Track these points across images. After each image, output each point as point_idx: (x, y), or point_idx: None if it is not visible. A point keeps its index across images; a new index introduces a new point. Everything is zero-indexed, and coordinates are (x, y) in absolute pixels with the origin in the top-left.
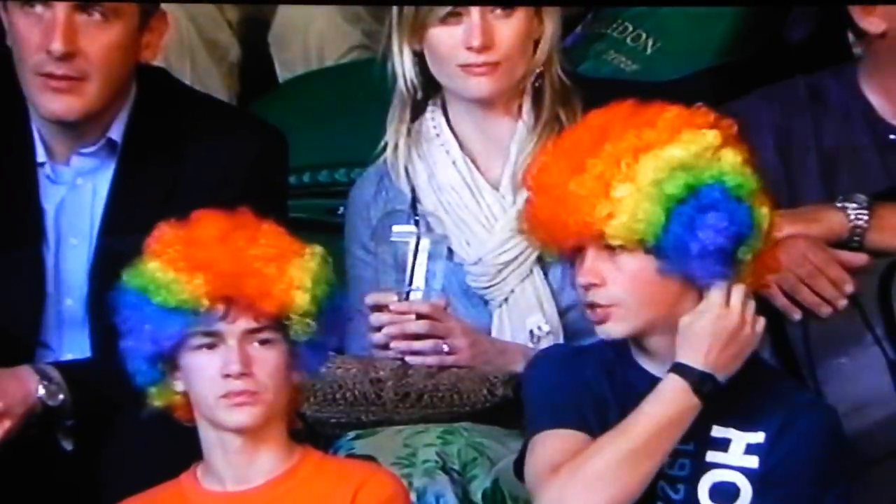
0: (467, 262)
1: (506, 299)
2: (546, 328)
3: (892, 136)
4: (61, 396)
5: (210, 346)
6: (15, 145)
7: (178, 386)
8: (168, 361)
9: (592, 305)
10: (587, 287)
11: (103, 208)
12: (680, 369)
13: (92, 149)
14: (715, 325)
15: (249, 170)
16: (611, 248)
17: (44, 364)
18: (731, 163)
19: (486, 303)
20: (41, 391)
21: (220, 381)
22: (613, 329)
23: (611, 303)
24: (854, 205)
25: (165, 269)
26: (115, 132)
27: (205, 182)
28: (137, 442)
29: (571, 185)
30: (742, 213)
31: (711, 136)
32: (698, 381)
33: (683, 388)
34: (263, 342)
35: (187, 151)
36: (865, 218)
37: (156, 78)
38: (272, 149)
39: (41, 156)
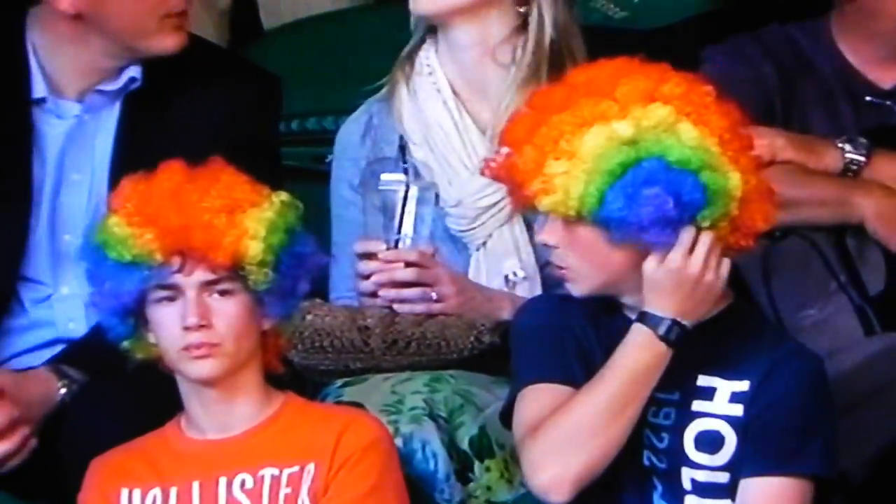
0: (448, 205)
1: (483, 243)
2: (521, 274)
3: (868, 98)
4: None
5: (171, 299)
6: (7, 82)
7: (152, 338)
8: (139, 315)
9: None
10: (545, 245)
11: (112, 144)
12: (644, 318)
13: (114, 85)
14: (678, 274)
15: (246, 115)
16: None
17: (63, 365)
18: (684, 137)
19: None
20: (62, 390)
21: (180, 333)
22: (572, 289)
23: (565, 266)
24: (851, 146)
25: (121, 225)
26: (135, 70)
27: (203, 125)
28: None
29: (515, 158)
30: (688, 183)
31: (665, 112)
32: (663, 328)
33: (649, 337)
34: (223, 293)
35: (190, 94)
36: (861, 161)
37: None
38: (268, 94)
39: (40, 91)
